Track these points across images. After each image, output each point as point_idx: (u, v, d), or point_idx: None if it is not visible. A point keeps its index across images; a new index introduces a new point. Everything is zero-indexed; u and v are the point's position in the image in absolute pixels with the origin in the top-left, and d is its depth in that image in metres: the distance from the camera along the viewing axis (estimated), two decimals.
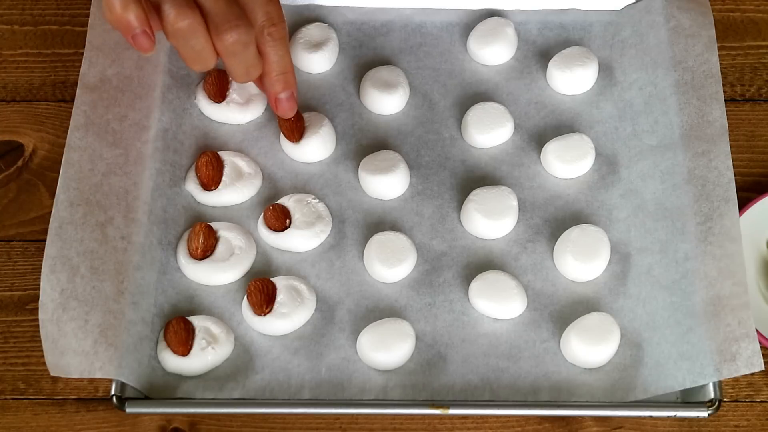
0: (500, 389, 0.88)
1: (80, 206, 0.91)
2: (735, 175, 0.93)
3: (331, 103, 1.01)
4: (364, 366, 0.89)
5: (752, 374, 0.91)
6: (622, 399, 0.88)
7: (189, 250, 0.93)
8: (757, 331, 0.88)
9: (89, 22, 1.00)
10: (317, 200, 0.95)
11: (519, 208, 0.95)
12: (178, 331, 0.88)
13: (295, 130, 0.97)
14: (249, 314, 0.90)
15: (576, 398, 0.88)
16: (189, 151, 0.98)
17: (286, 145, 0.98)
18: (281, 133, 0.98)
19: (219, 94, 1.00)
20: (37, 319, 0.86)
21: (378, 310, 0.91)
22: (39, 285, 0.87)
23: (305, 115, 0.98)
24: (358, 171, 0.97)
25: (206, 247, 0.92)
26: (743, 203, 0.94)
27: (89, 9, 1.01)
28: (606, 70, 1.02)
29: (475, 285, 0.91)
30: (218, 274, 0.92)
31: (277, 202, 0.95)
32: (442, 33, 1.05)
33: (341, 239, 0.95)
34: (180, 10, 0.86)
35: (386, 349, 0.88)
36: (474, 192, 0.95)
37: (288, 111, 0.94)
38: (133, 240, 0.92)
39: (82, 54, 0.99)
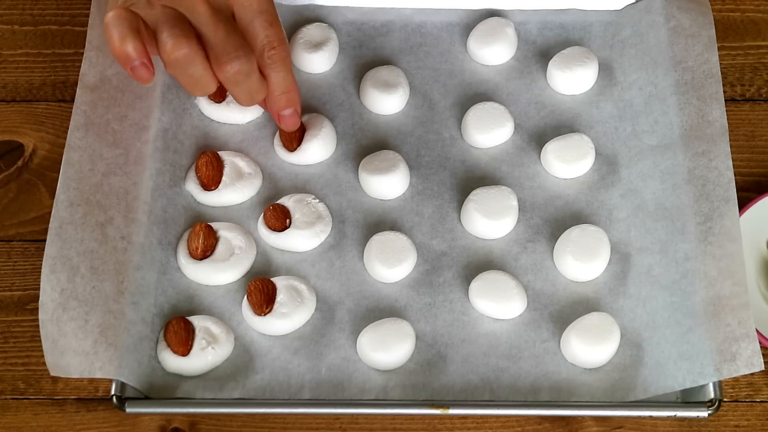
0: (500, 389, 0.88)
1: (80, 206, 0.91)
2: (735, 175, 0.93)
3: (331, 103, 1.01)
4: (364, 366, 0.89)
5: (752, 374, 0.90)
6: (622, 399, 0.88)
7: (189, 250, 0.93)
8: (757, 331, 0.88)
9: (89, 22, 1.00)
10: (317, 200, 0.95)
11: (519, 208, 0.95)
12: (178, 331, 0.88)
13: (294, 139, 0.97)
14: (249, 314, 0.90)
15: (576, 398, 0.88)
16: (189, 151, 0.98)
17: (282, 152, 0.98)
18: (279, 141, 0.98)
19: (219, 94, 1.00)
20: (37, 319, 0.86)
21: (378, 310, 0.91)
22: (39, 285, 0.87)
23: (304, 117, 0.98)
24: (358, 171, 0.97)
25: (206, 247, 0.92)
26: (743, 203, 0.94)
27: (89, 9, 1.01)
28: (606, 70, 1.02)
29: (475, 285, 0.91)
30: (218, 274, 0.92)
31: (277, 202, 0.95)
32: (442, 33, 1.05)
33: (341, 239, 0.95)
34: (176, 40, 0.86)
35: (386, 349, 0.88)
36: (474, 192, 0.95)
37: (291, 126, 0.95)
38: (133, 240, 0.92)
39: (82, 54, 0.99)
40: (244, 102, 0.91)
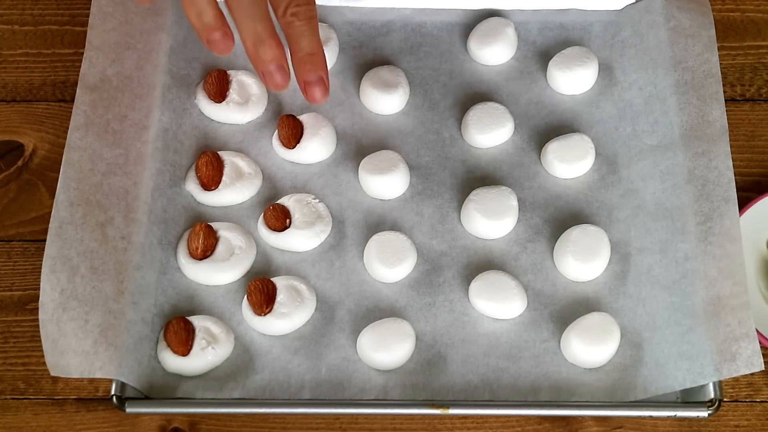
0: (500, 389, 0.88)
1: (80, 206, 0.91)
2: (735, 175, 0.93)
3: (331, 103, 1.01)
4: (364, 366, 0.89)
5: (752, 374, 0.91)
6: (622, 399, 0.88)
7: (189, 250, 0.93)
8: (757, 331, 0.88)
9: (89, 22, 1.00)
10: (317, 200, 0.95)
11: (519, 208, 0.95)
12: (178, 331, 0.88)
13: (292, 136, 0.97)
14: (249, 314, 0.90)
15: (576, 398, 0.88)
16: (189, 151, 0.98)
17: (281, 149, 0.98)
18: (277, 140, 0.98)
19: (219, 94, 1.00)
20: (37, 319, 0.86)
21: (378, 310, 0.91)
22: (39, 285, 0.87)
23: (305, 116, 0.98)
24: (358, 171, 0.97)
25: (206, 247, 0.92)
26: (743, 203, 0.94)
27: (89, 9, 1.01)
28: (606, 70, 1.02)
29: (475, 285, 0.91)
30: (218, 274, 0.92)
31: (277, 202, 0.95)
32: (442, 33, 1.05)
33: (341, 239, 0.95)
34: None
35: (386, 349, 0.88)
36: (474, 192, 0.95)
37: (318, 97, 0.89)
38: (133, 240, 0.92)
39: (82, 54, 0.99)
40: (249, 39, 0.86)
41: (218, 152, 0.97)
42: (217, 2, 0.86)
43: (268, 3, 0.87)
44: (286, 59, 0.88)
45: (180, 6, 1.02)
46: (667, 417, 0.88)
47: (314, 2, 0.88)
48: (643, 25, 1.03)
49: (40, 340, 0.86)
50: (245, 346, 0.90)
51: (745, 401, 0.90)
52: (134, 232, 0.92)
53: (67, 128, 0.95)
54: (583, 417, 0.89)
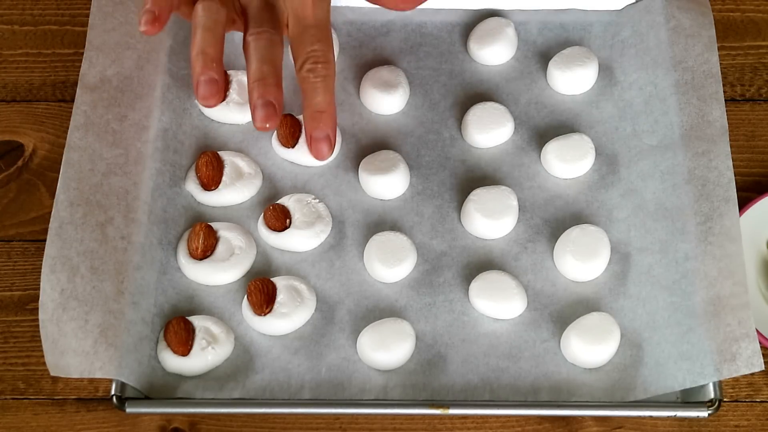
0: (500, 389, 0.88)
1: (80, 206, 0.91)
2: (735, 175, 0.93)
3: None
4: (364, 366, 0.89)
5: (752, 374, 0.91)
6: (622, 399, 0.88)
7: (189, 250, 0.93)
8: (757, 331, 0.88)
9: (89, 22, 1.00)
10: (317, 200, 0.95)
11: (519, 208, 0.95)
12: (178, 331, 0.88)
13: (290, 136, 0.97)
14: (249, 314, 0.90)
15: (576, 398, 0.88)
16: (189, 151, 0.98)
17: (281, 149, 0.98)
18: (277, 140, 0.98)
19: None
20: (37, 319, 0.86)
21: (378, 310, 0.91)
22: (39, 285, 0.87)
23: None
24: (358, 171, 0.97)
25: (206, 247, 0.92)
26: (743, 203, 0.94)
27: (89, 9, 1.01)
28: (606, 70, 1.02)
29: (475, 285, 0.91)
30: (218, 274, 0.92)
31: (277, 202, 0.95)
32: (442, 33, 1.05)
33: (341, 239, 0.95)
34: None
35: (386, 349, 0.88)
36: (474, 192, 0.95)
37: (322, 153, 0.91)
38: (133, 240, 0.92)
39: (82, 54, 0.99)
40: (255, 72, 0.89)
41: (218, 152, 0.97)
42: (222, 47, 0.89)
43: (288, 54, 0.91)
44: (281, 102, 0.88)
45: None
46: (667, 417, 0.88)
47: (333, 61, 0.90)
48: (643, 25, 1.03)
49: (40, 340, 0.86)
50: (245, 346, 0.90)
51: (745, 401, 0.90)
52: (134, 232, 0.92)
53: (67, 128, 0.95)
54: (583, 417, 0.89)
